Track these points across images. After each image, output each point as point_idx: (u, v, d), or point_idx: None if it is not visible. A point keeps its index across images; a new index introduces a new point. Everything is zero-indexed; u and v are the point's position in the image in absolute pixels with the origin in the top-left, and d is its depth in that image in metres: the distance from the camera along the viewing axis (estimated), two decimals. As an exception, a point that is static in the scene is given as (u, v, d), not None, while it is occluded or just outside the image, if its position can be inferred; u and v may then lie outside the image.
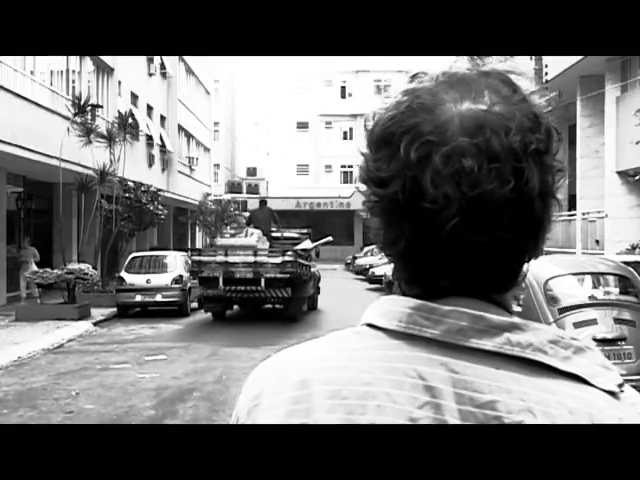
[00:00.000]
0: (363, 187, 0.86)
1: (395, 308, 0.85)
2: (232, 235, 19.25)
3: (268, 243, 17.58)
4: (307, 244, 18.30)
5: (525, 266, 0.86)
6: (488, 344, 0.81)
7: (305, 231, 19.93)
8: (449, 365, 0.81)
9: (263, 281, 16.12)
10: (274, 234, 18.75)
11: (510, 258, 0.84)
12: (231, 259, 16.17)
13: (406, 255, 0.84)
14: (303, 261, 17.13)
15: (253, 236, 17.38)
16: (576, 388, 0.82)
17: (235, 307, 18.54)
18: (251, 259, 16.19)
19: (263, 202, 20.04)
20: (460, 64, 0.87)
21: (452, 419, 0.79)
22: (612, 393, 0.83)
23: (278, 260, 16.09)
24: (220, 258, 16.20)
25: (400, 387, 0.80)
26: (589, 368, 0.83)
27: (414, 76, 0.87)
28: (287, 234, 19.49)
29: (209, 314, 17.74)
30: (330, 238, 20.34)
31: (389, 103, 0.85)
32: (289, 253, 16.39)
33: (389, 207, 0.83)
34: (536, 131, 0.82)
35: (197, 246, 43.23)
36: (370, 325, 0.87)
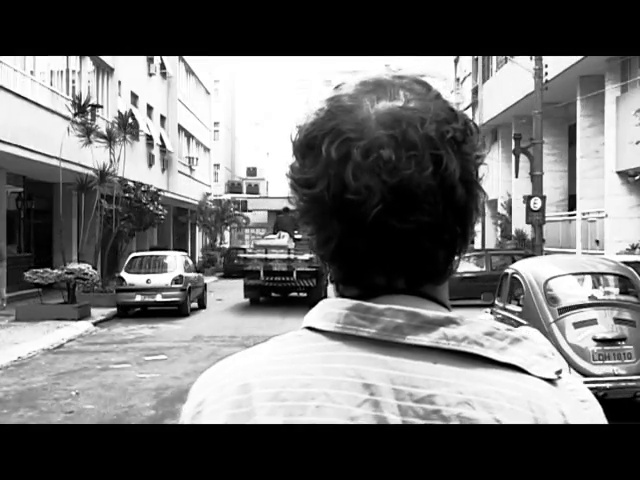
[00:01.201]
0: (293, 196, 0.89)
1: (333, 310, 0.87)
2: (262, 237, 23.61)
3: (293, 243, 21.10)
4: None
5: (456, 257, 0.88)
6: (424, 340, 0.83)
7: None
8: (387, 363, 0.83)
9: (295, 273, 20.25)
10: (296, 236, 21.84)
11: (439, 246, 0.85)
12: (270, 256, 20.42)
13: (338, 254, 0.86)
14: None
15: (284, 238, 21.19)
16: (514, 377, 0.84)
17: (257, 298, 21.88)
18: (285, 256, 20.39)
19: (286, 209, 22.67)
20: (377, 71, 0.91)
21: (391, 415, 0.80)
22: (550, 380, 0.85)
23: (306, 257, 19.87)
24: (261, 255, 20.59)
25: (339, 387, 0.82)
26: (526, 357, 0.85)
27: (337, 87, 0.90)
28: (307, 236, 21.87)
29: (211, 312, 19.83)
30: None
31: (311, 112, 0.88)
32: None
33: (318, 209, 0.85)
34: (452, 122, 0.85)
35: (197, 246, 43.43)
36: (310, 328, 0.89)
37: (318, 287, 20.53)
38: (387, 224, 0.82)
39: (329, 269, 0.90)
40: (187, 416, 0.89)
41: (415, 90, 0.86)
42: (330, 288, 0.94)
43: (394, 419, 0.80)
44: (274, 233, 22.16)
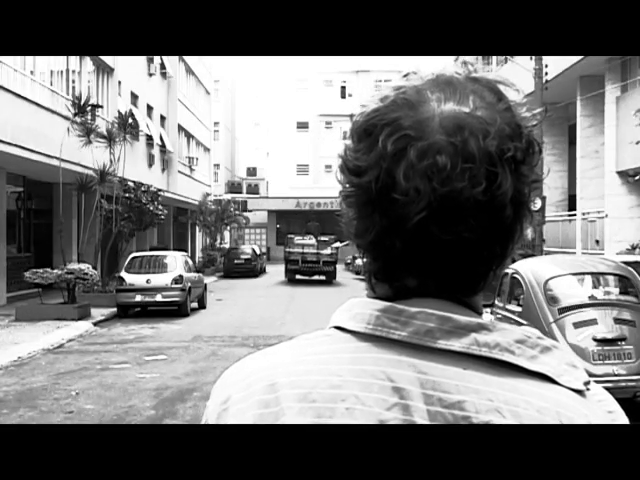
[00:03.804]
0: (340, 176, 0.88)
1: (363, 310, 0.86)
2: (294, 238, 33.76)
3: (317, 243, 32.13)
4: (338, 244, 31.19)
5: (491, 273, 0.86)
6: (456, 345, 0.82)
7: (333, 236, 32.68)
8: (417, 366, 0.82)
9: (321, 262, 32.12)
10: (319, 238, 32.86)
11: (475, 261, 0.84)
12: (304, 250, 31.97)
13: (374, 246, 0.85)
14: (337, 252, 32.27)
15: (312, 239, 32.44)
16: (543, 387, 0.83)
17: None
18: (314, 251, 32.05)
19: (312, 220, 35.00)
20: (451, 67, 0.89)
21: (421, 420, 0.80)
22: (579, 391, 0.85)
23: (328, 251, 31.96)
24: (299, 250, 32.06)
25: (369, 389, 0.81)
26: (556, 367, 0.85)
27: (406, 75, 0.89)
28: (322, 238, 32.80)
29: (211, 312, 20.18)
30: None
31: (376, 97, 0.87)
32: (333, 248, 31.79)
33: (363, 197, 0.84)
34: (515, 140, 0.83)
35: (197, 246, 43.60)
36: (339, 328, 0.88)
37: (333, 272, 32.62)
38: (427, 230, 0.81)
39: (364, 258, 0.89)
40: (212, 413, 0.88)
41: (485, 98, 0.84)
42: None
43: (423, 424, 0.80)
44: (304, 236, 33.07)
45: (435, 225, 0.80)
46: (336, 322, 0.89)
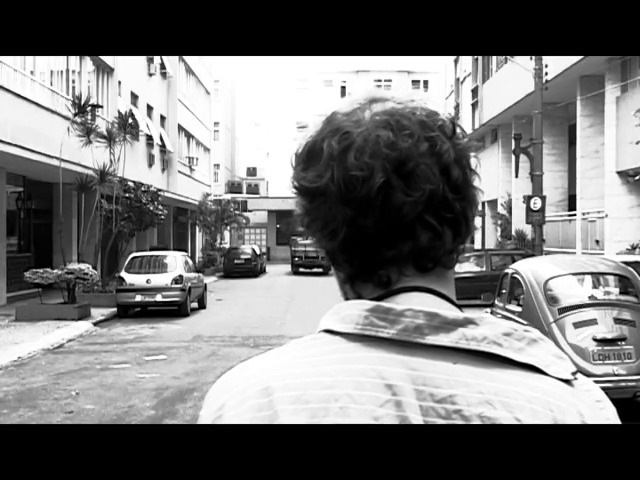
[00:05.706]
0: (299, 200, 0.93)
1: (351, 312, 0.88)
2: (298, 240, 39.22)
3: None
4: None
5: (461, 242, 0.91)
6: (444, 340, 0.84)
7: None
8: (408, 363, 0.83)
9: (319, 258, 36.59)
10: None
11: (442, 222, 0.88)
12: (306, 249, 38.38)
13: (347, 241, 0.89)
14: None
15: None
16: (532, 377, 0.85)
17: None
18: (314, 249, 35.62)
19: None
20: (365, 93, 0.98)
21: (413, 415, 0.81)
22: (567, 381, 0.87)
23: None
24: (302, 248, 38.77)
25: (361, 388, 0.82)
26: (543, 358, 0.87)
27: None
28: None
29: (211, 312, 20.26)
30: None
31: (310, 131, 0.95)
32: None
33: (325, 202, 0.89)
34: (439, 116, 0.92)
35: (197, 246, 43.79)
36: (328, 331, 0.89)
37: (329, 265, 36.22)
38: (391, 199, 0.86)
39: (339, 269, 0.93)
40: (206, 421, 0.89)
41: (402, 99, 0.93)
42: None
43: (416, 419, 0.81)
44: (306, 239, 34.98)
45: (396, 191, 0.86)
46: (325, 326, 0.90)
